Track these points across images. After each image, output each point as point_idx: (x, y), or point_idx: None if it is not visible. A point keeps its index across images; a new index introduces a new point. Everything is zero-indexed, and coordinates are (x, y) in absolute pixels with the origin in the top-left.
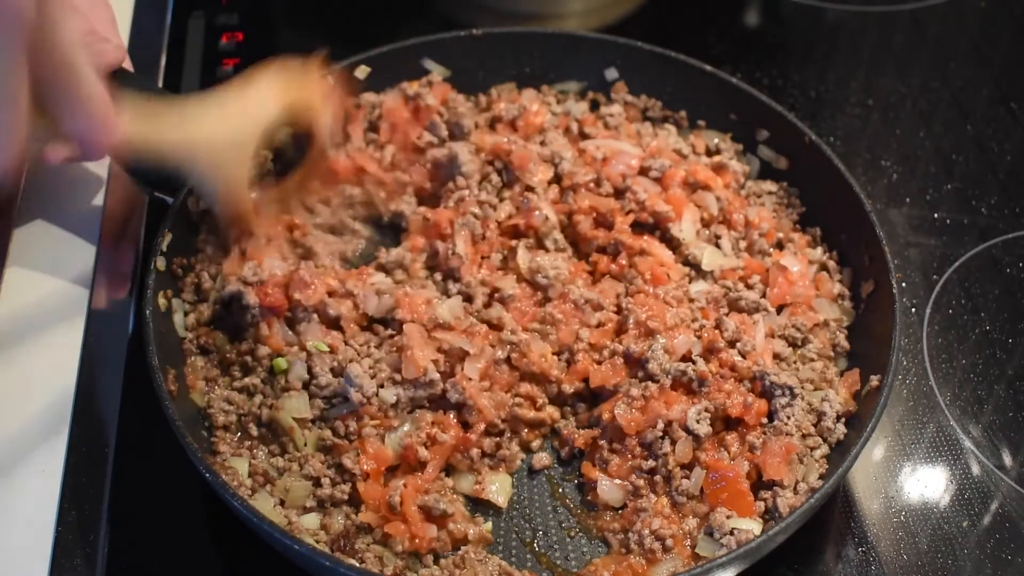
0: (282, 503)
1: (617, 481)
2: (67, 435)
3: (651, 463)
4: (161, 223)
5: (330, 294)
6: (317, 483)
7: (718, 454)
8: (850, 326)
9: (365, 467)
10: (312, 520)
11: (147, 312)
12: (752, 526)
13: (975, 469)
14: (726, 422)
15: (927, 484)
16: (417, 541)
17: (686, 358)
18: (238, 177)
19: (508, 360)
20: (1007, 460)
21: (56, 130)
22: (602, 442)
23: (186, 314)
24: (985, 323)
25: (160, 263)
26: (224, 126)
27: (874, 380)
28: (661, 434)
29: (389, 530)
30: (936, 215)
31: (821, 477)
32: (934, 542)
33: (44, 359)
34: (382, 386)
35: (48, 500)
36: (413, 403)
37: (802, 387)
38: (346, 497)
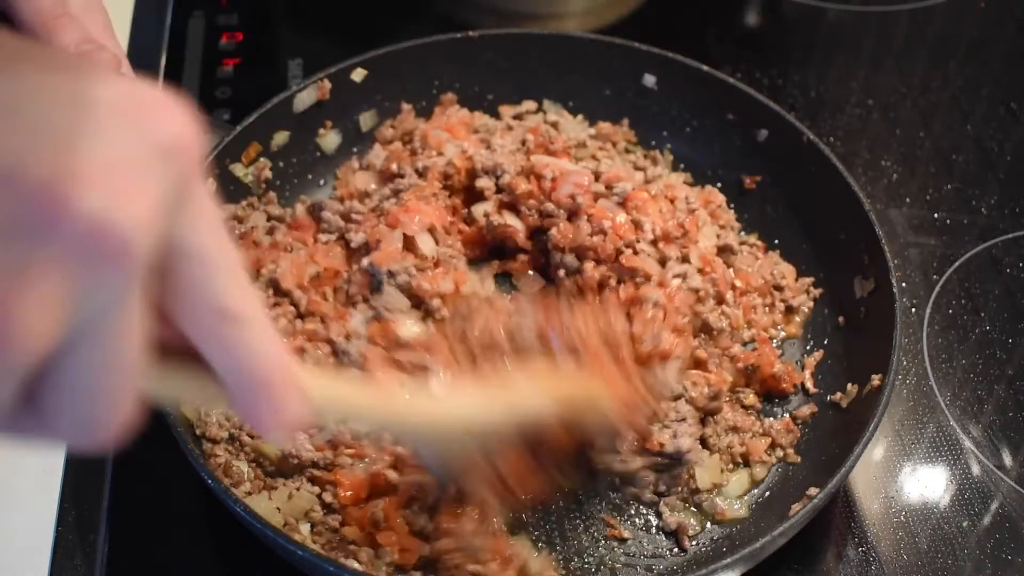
0: (278, 510)
1: None
2: None
3: None
4: None
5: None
6: (312, 509)
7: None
8: (849, 326)
9: (342, 499)
10: (305, 529)
11: None
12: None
13: (975, 469)
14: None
15: (927, 484)
16: (407, 554)
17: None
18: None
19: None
20: (1007, 460)
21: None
22: None
23: None
24: (985, 323)
25: None
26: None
27: (875, 380)
28: None
29: (381, 540)
30: (936, 215)
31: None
32: (934, 542)
33: None
34: None
35: (48, 500)
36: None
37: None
38: (337, 524)
